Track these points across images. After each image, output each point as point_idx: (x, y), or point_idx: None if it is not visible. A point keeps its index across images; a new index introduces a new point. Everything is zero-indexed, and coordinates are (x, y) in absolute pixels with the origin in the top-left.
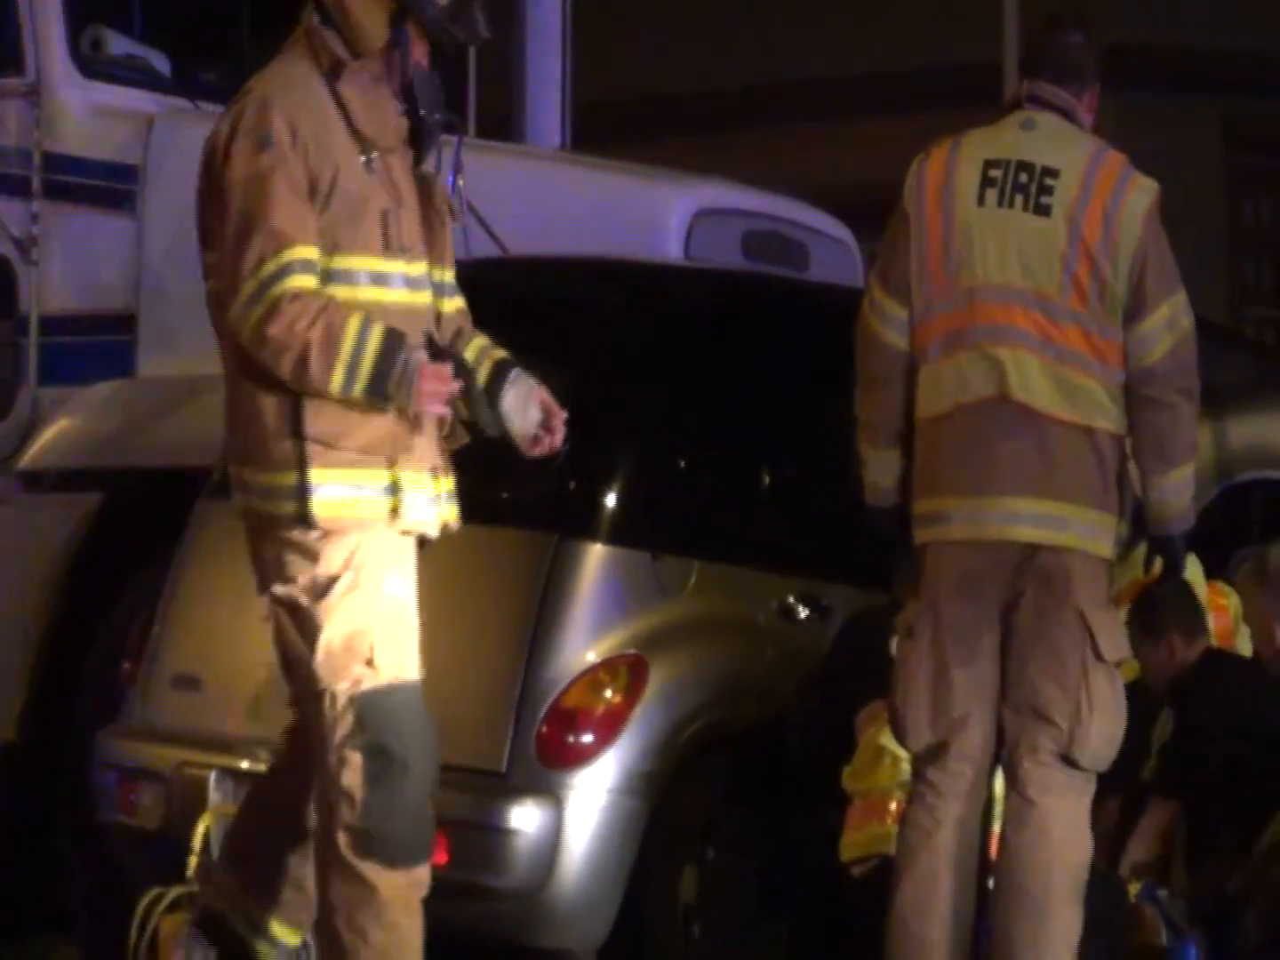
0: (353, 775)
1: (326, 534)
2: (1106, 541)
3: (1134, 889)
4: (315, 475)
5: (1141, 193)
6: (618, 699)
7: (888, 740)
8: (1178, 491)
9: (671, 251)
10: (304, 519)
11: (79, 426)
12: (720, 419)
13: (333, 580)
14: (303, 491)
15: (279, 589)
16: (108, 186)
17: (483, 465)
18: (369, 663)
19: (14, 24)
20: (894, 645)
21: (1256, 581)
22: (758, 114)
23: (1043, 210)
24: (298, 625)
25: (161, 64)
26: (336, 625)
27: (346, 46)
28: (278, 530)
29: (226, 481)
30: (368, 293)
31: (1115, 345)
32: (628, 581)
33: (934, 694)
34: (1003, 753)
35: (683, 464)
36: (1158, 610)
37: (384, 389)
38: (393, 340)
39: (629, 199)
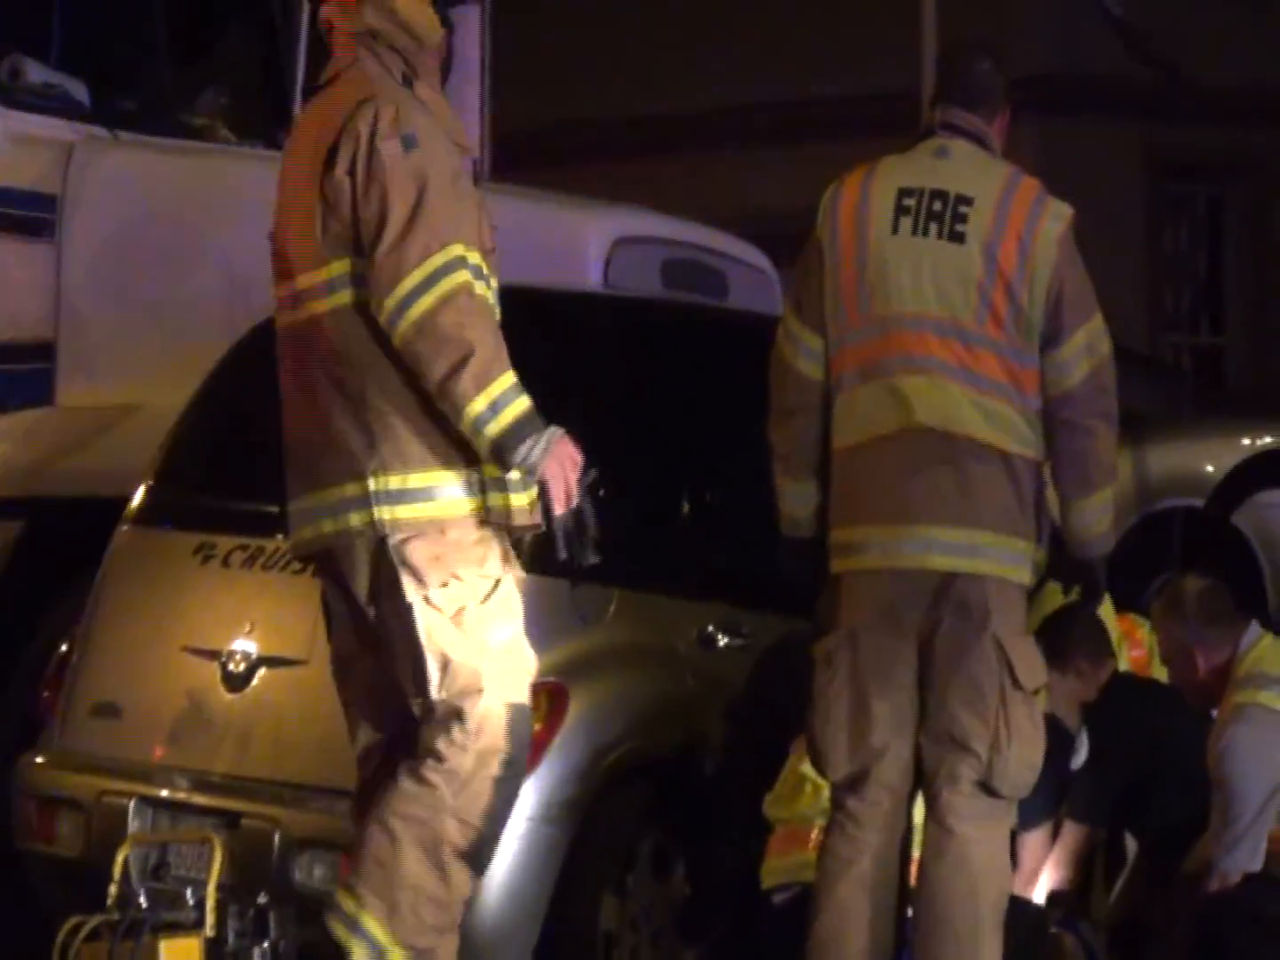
0: (485, 782)
1: (483, 537)
2: (1024, 568)
3: (1053, 918)
4: (488, 470)
5: (1056, 219)
6: (538, 726)
7: (809, 768)
8: (1097, 515)
9: (591, 279)
10: (484, 515)
11: (0, 454)
12: (638, 446)
13: (496, 583)
14: (483, 487)
15: (439, 593)
16: (26, 215)
17: None
18: (527, 671)
19: None
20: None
21: (1173, 612)
22: (677, 141)
23: (957, 238)
24: (457, 627)
25: (80, 92)
26: (497, 630)
27: (406, 56)
28: (436, 533)
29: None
30: (485, 290)
31: (1032, 372)
32: (547, 609)
33: (853, 724)
34: (922, 782)
35: (601, 492)
36: (1062, 636)
37: (516, 446)
38: (535, 411)
39: (548, 227)
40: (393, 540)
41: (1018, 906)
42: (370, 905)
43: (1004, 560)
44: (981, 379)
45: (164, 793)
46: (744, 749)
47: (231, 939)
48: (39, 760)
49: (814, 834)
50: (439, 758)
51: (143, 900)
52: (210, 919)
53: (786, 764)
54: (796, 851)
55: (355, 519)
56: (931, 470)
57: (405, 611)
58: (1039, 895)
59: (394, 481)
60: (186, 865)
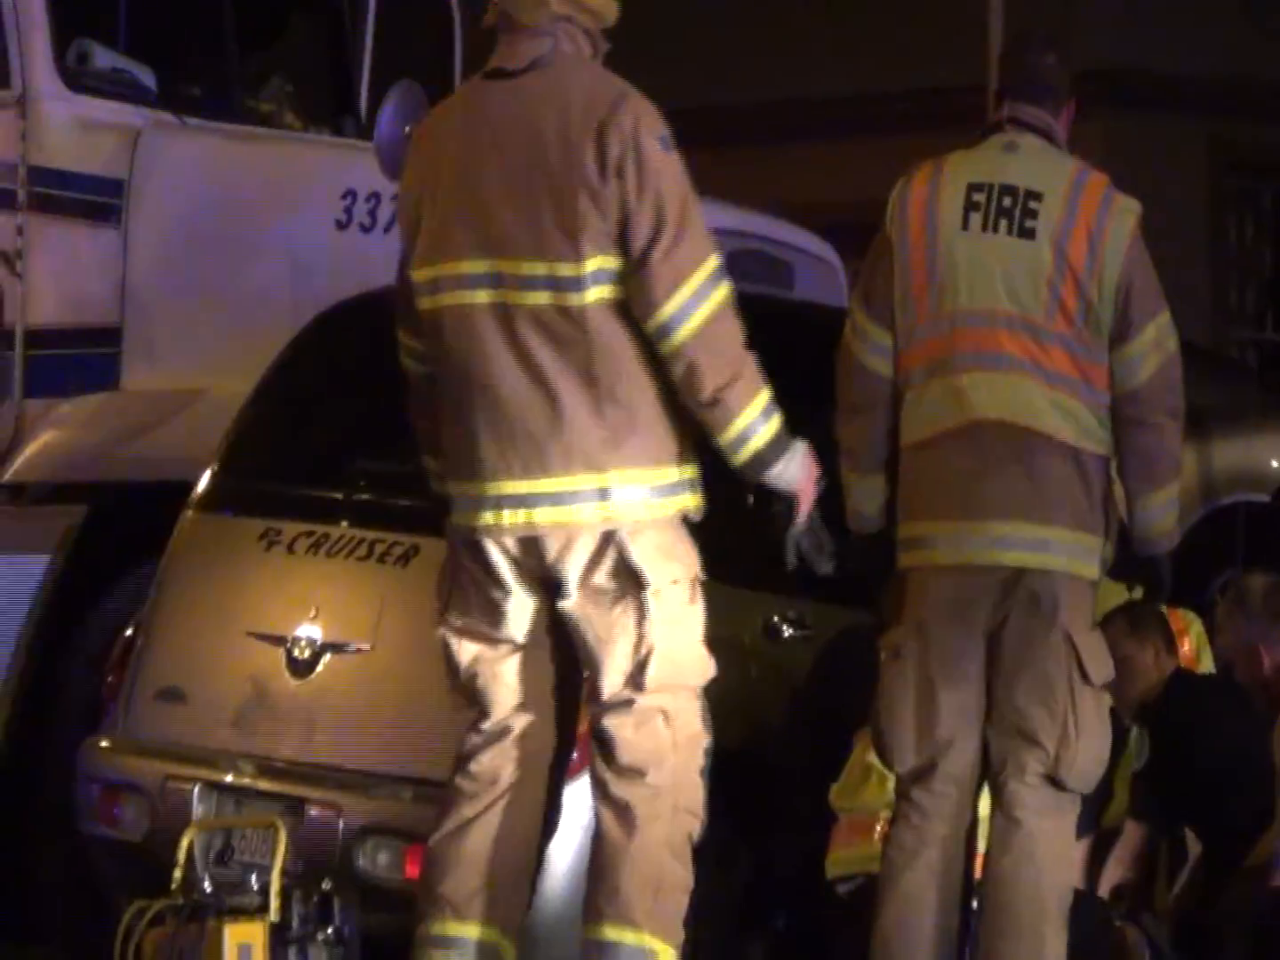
0: (695, 773)
1: (684, 534)
2: (1092, 563)
3: (1117, 911)
4: (689, 471)
5: (1125, 214)
6: None
7: (875, 759)
8: (1163, 511)
9: None
10: (690, 511)
11: (64, 439)
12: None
13: (697, 580)
14: (692, 486)
15: (665, 587)
16: (93, 200)
17: None
18: (712, 666)
19: (0, 37)
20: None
21: (1239, 610)
22: (744, 134)
23: (1028, 234)
24: (675, 622)
25: (147, 78)
26: (699, 626)
27: (591, 37)
28: (660, 529)
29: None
30: None
31: (1101, 367)
32: None
33: (920, 716)
34: (988, 774)
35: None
36: (1125, 632)
37: (774, 458)
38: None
39: None
40: (623, 534)
41: (1082, 899)
42: (649, 927)
43: (1074, 556)
44: (1052, 374)
45: (228, 778)
46: (808, 740)
47: (295, 924)
48: (103, 744)
49: (879, 825)
50: (653, 759)
51: (207, 885)
52: (274, 904)
53: (852, 755)
54: (861, 842)
55: (587, 510)
56: (1000, 466)
57: (630, 603)
58: (1102, 889)
59: (631, 477)
60: (251, 850)
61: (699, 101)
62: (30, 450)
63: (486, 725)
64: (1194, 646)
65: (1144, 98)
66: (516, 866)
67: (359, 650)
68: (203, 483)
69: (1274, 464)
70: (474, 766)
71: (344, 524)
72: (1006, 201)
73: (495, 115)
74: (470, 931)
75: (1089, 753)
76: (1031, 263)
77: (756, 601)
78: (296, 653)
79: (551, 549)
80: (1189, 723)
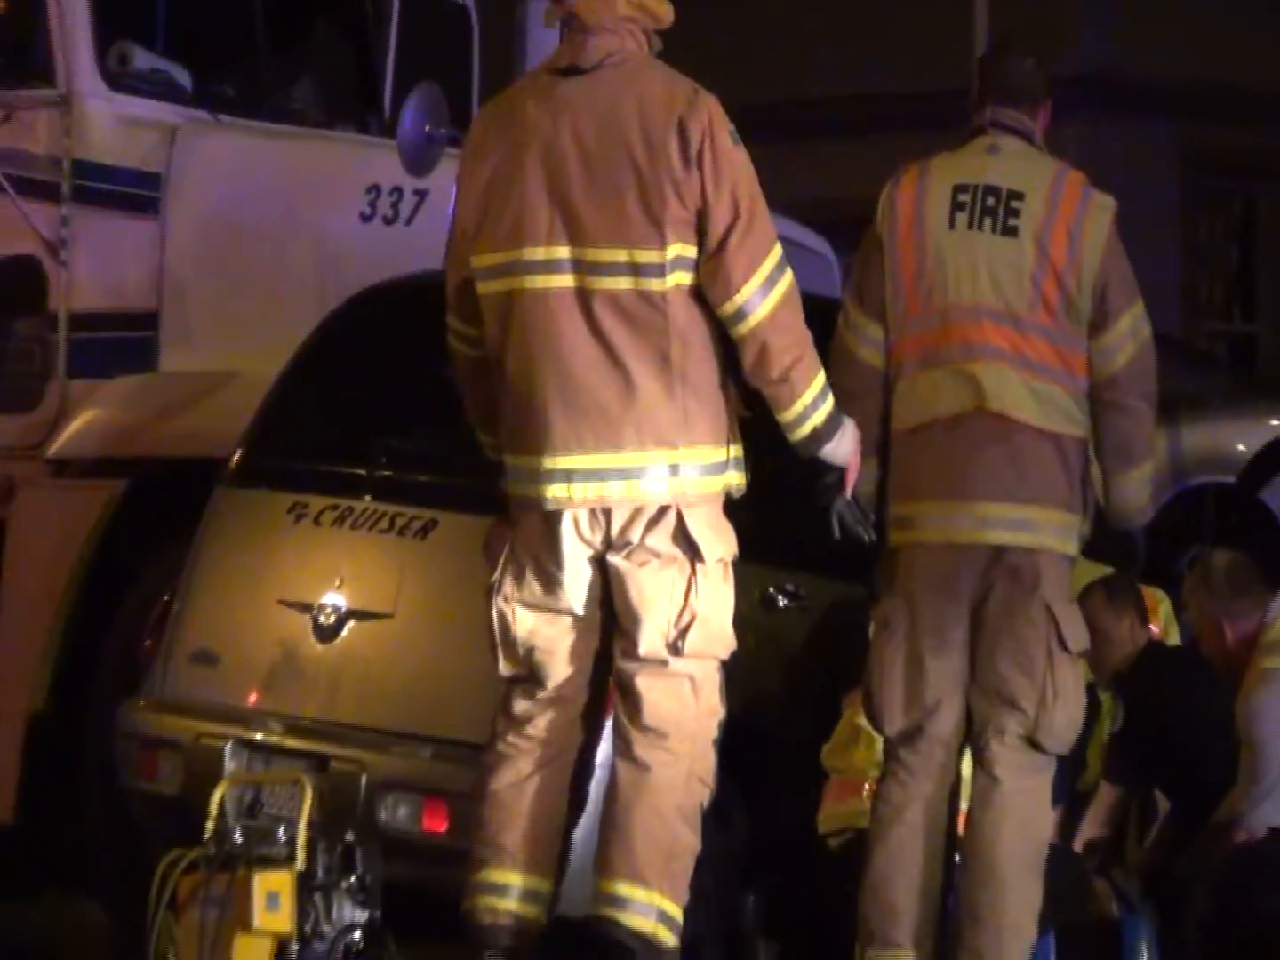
0: (710, 744)
1: (721, 509)
2: (1071, 540)
3: (1090, 865)
4: (737, 450)
5: (1102, 210)
6: None
7: (864, 722)
8: (1138, 489)
9: None
10: (736, 488)
11: (105, 417)
12: None
13: (733, 558)
14: (739, 465)
15: (712, 562)
16: (133, 192)
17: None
18: (734, 641)
19: (45, 39)
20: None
21: (1204, 585)
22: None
23: (1010, 232)
24: (716, 594)
25: (183, 78)
26: (732, 600)
27: (649, 37)
28: (711, 505)
29: (248, 468)
30: None
31: (1080, 356)
32: None
33: (908, 682)
34: (970, 736)
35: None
36: (1101, 605)
37: (830, 433)
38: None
39: None
40: (682, 506)
41: (1058, 854)
42: (659, 886)
43: (1054, 533)
44: (1035, 363)
45: (258, 736)
46: (802, 704)
47: (320, 873)
48: (141, 704)
49: (867, 784)
50: (675, 724)
51: (237, 836)
52: (301, 854)
53: (841, 719)
54: (851, 799)
55: (657, 484)
56: (988, 451)
57: (681, 570)
58: (1078, 845)
59: (697, 455)
60: (279, 804)
61: None
62: (74, 427)
63: (542, 693)
64: (1163, 622)
65: (1120, 103)
66: (562, 819)
67: (380, 617)
68: (235, 459)
69: (1240, 447)
70: (530, 729)
71: (367, 498)
72: (990, 201)
73: (572, 108)
74: (522, 879)
75: (1065, 716)
76: (1014, 259)
77: (755, 574)
78: (322, 619)
79: (619, 518)
80: (1160, 691)
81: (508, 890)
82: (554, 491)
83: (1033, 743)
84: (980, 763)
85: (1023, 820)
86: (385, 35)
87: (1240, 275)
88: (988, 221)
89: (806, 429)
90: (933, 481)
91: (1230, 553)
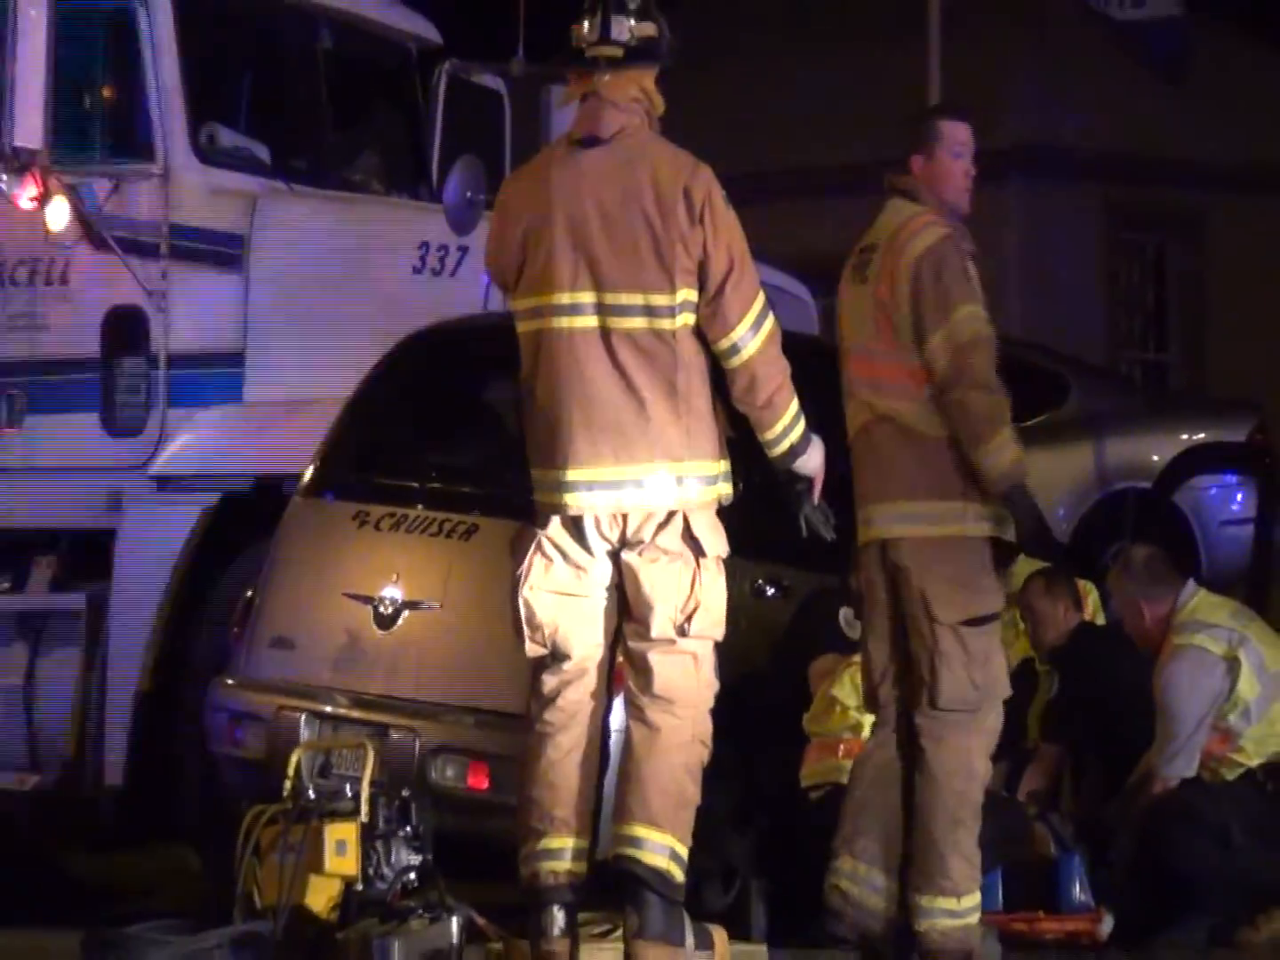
0: (707, 711)
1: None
2: (944, 525)
3: (1031, 812)
4: (725, 465)
5: (917, 240)
6: None
7: (838, 691)
8: (995, 456)
9: None
10: (726, 498)
11: (199, 440)
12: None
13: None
14: (728, 478)
15: (711, 557)
16: (220, 250)
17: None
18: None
19: (147, 122)
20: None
21: (1126, 573)
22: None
23: (864, 280)
24: (713, 584)
25: (262, 153)
26: (724, 590)
27: (651, 119)
28: (708, 510)
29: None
30: None
31: (918, 369)
32: None
33: (867, 658)
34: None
35: None
36: (1038, 592)
37: (803, 449)
38: None
39: None
40: (687, 512)
41: (1004, 802)
42: (670, 829)
43: (919, 522)
44: (887, 383)
45: (328, 709)
46: (786, 678)
47: (381, 824)
48: (229, 682)
49: (841, 746)
50: (681, 693)
51: (311, 793)
52: (364, 808)
53: (819, 689)
54: (828, 759)
55: (664, 492)
56: (865, 458)
57: (686, 565)
58: (1020, 795)
59: (697, 469)
60: (346, 766)
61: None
62: (173, 449)
63: (568, 666)
64: (1092, 609)
65: (1051, 168)
66: (595, 781)
67: (431, 607)
68: (308, 474)
69: (1155, 458)
70: (560, 702)
71: (419, 507)
72: (865, 256)
73: (592, 173)
74: (572, 842)
75: (952, 679)
76: (866, 300)
77: (746, 567)
78: (382, 609)
79: (634, 522)
80: (1090, 665)
81: (563, 853)
82: (576, 499)
83: (935, 707)
84: (910, 732)
85: (940, 777)
86: (432, 115)
87: (1154, 312)
88: (858, 274)
89: (785, 445)
90: (858, 487)
91: (1148, 546)
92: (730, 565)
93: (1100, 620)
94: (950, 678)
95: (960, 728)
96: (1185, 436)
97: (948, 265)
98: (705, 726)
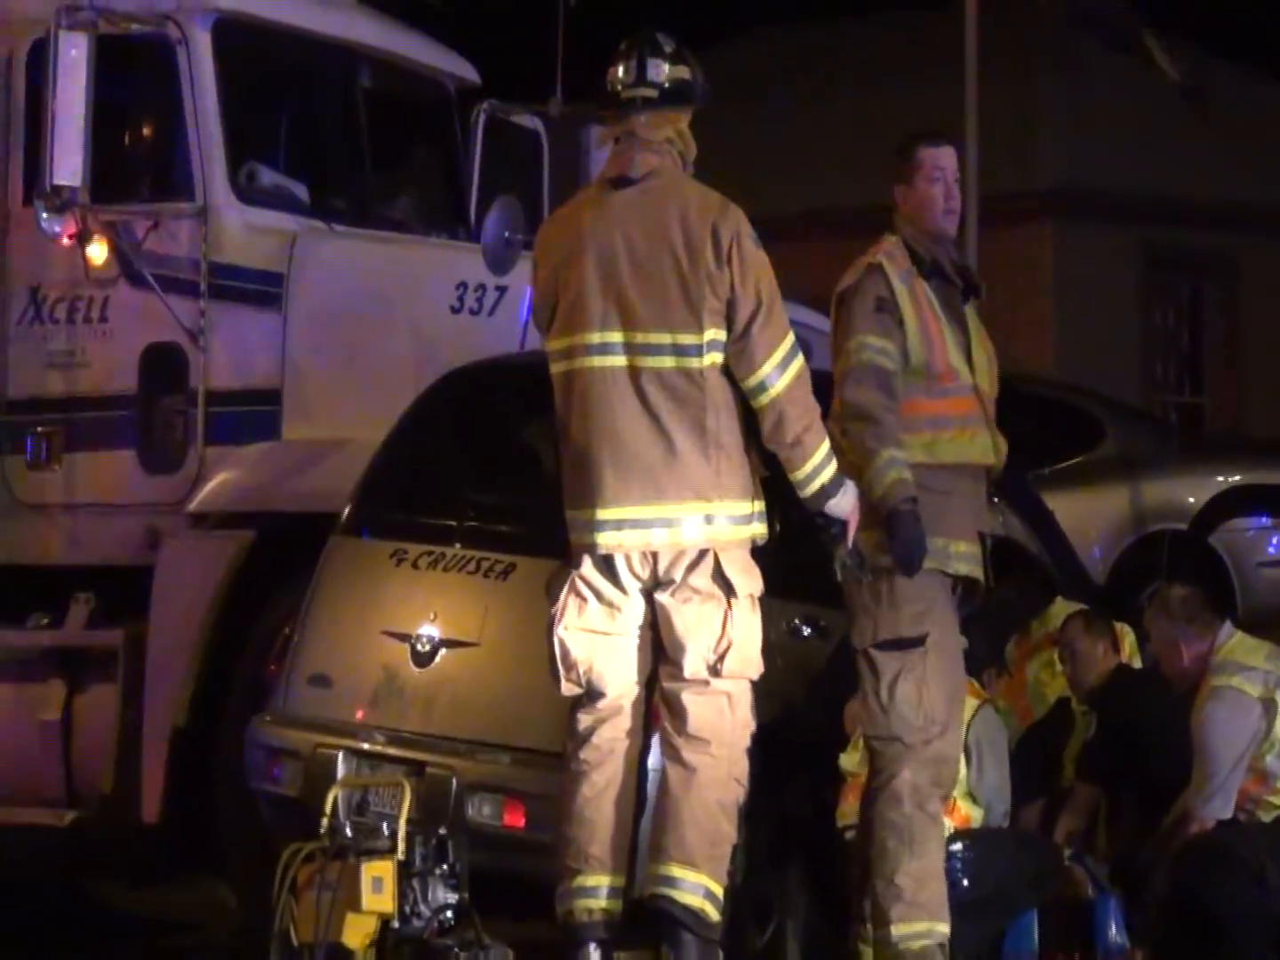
0: (744, 750)
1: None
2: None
3: (1066, 853)
4: (760, 505)
5: (845, 275)
6: None
7: None
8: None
9: None
10: (760, 537)
11: (237, 478)
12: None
13: (761, 594)
14: (762, 517)
15: (744, 596)
16: (259, 289)
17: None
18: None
19: (187, 161)
20: None
21: (1162, 613)
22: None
23: None
24: (749, 625)
25: (302, 192)
26: (760, 629)
27: (685, 161)
28: (742, 549)
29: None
30: None
31: None
32: None
33: None
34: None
35: None
36: (1097, 621)
37: (834, 491)
38: None
39: None
40: (718, 551)
41: (1040, 842)
42: (705, 870)
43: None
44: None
45: (365, 746)
46: (821, 718)
47: (418, 861)
48: (267, 719)
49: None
50: (715, 733)
51: (348, 830)
52: (401, 846)
53: (856, 730)
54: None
55: (693, 531)
56: None
57: (718, 605)
58: (1057, 836)
59: (727, 508)
60: (383, 803)
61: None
62: (210, 486)
63: (602, 705)
64: (1129, 650)
65: (1087, 211)
66: (630, 820)
67: (468, 646)
68: (345, 513)
69: (1190, 500)
70: (595, 740)
71: (457, 545)
72: None
73: (623, 214)
74: (609, 879)
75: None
76: None
77: (782, 607)
78: (419, 647)
79: (664, 560)
80: (1128, 706)
81: (599, 891)
82: (606, 538)
83: None
84: None
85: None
86: (470, 155)
87: (1190, 354)
88: None
89: (815, 486)
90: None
91: (1186, 586)
92: (767, 605)
93: (1137, 663)
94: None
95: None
96: (1221, 478)
97: (854, 295)
98: (741, 766)
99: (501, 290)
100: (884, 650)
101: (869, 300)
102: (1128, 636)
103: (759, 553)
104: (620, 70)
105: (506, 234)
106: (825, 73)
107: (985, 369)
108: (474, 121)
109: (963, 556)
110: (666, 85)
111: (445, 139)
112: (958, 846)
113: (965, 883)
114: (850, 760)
